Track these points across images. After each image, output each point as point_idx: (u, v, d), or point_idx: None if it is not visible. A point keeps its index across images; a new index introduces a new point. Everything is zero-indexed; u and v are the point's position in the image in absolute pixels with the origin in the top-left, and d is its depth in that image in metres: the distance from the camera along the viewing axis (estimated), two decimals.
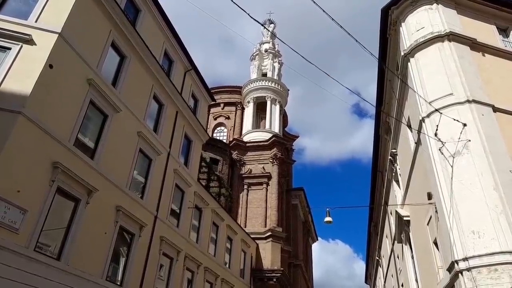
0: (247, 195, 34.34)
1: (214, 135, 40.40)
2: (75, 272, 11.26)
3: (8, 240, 9.19)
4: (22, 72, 10.56)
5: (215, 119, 41.81)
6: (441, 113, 11.96)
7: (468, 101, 11.95)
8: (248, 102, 41.25)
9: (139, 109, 15.75)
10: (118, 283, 13.56)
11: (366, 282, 51.02)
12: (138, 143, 15.39)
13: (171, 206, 17.82)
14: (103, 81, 13.40)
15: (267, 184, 34.48)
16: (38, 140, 10.53)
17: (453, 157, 11.51)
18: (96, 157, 12.80)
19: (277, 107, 41.47)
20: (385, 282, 30.91)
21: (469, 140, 11.67)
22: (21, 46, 10.98)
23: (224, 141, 37.98)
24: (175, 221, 18.11)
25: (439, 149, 11.89)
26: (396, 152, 19.21)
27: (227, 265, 23.82)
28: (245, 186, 34.73)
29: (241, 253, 26.43)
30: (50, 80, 11.02)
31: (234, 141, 36.89)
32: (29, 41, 11.06)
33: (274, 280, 28.73)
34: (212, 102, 27.46)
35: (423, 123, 12.76)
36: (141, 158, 15.89)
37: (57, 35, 11.37)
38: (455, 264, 10.01)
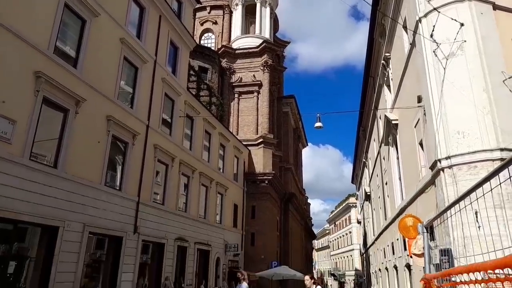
0: (238, 103, 34.33)
1: (202, 42, 38.68)
2: (74, 179, 11.67)
3: (1, 149, 9.29)
4: None
5: (202, 24, 39.60)
6: (439, 12, 11.41)
7: None
8: (236, 4, 38.70)
9: (119, 13, 14.70)
10: (117, 188, 14.21)
11: (352, 182, 54.43)
12: (122, 50, 14.70)
13: (162, 115, 17.83)
14: None
15: (258, 92, 34.27)
16: (16, 48, 9.99)
17: (447, 59, 11.34)
18: (79, 66, 12.32)
19: (267, 10, 39.13)
20: (370, 181, 32.97)
21: (465, 41, 11.38)
22: None
23: (213, 48, 36.54)
24: (167, 130, 18.32)
25: (434, 51, 11.64)
26: (390, 56, 18.82)
27: (221, 170, 24.89)
28: (236, 95, 34.52)
29: (234, 159, 27.43)
30: None
31: (223, 48, 35.54)
32: None
33: (266, 182, 30.41)
34: (198, 5, 25.68)
35: (419, 23, 12.27)
36: (127, 67, 15.36)
37: None
38: (438, 163, 10.53)
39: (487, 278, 1.69)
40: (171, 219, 17.74)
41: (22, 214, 9.78)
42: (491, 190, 2.02)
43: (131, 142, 14.99)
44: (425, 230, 3.26)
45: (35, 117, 10.44)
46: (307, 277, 7.01)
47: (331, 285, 73.79)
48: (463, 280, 2.08)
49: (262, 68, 34.97)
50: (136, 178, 15.27)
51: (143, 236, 15.32)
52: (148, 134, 16.15)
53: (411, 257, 3.99)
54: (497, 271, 1.65)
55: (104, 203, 13.09)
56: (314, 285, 6.76)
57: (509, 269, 1.53)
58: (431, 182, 11.58)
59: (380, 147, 23.60)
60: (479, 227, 8.35)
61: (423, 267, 3.40)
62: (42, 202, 10.42)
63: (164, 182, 17.82)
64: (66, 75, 11.64)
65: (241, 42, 37.06)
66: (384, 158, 22.65)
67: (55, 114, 11.49)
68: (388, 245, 22.98)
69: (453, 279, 2.48)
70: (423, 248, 3.23)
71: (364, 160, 35.88)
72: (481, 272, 1.74)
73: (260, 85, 34.34)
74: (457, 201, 2.76)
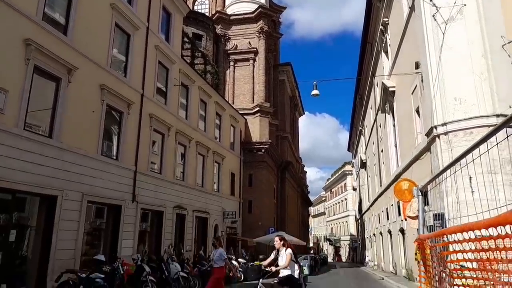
0: (234, 72, 33.85)
1: (195, 7, 37.55)
2: (70, 148, 11.64)
3: None
4: None
5: None
6: None
7: None
8: None
9: None
10: (114, 158, 14.22)
11: (348, 150, 54.85)
12: (112, 16, 14.25)
13: (157, 84, 17.58)
14: None
15: (254, 60, 33.71)
16: (3, 15, 9.64)
17: (446, 24, 11.11)
18: (69, 33, 11.96)
19: None
20: (366, 149, 33.21)
21: (465, 5, 11.11)
22: None
23: (207, 14, 35.53)
24: (162, 99, 18.12)
25: (433, 16, 11.38)
26: (388, 21, 18.41)
27: (218, 140, 24.89)
28: (231, 63, 33.96)
29: (230, 128, 27.36)
30: None
31: (217, 14, 34.60)
32: None
33: (263, 151, 30.55)
34: None
35: None
36: (119, 34, 14.96)
37: None
38: (434, 129, 10.56)
39: (480, 237, 1.71)
40: (169, 188, 17.91)
41: (19, 184, 9.81)
42: (488, 151, 2.02)
43: (126, 111, 14.84)
44: (420, 193, 3.30)
45: (27, 87, 10.25)
46: (276, 238, 6.83)
47: (326, 249, 76.02)
48: (456, 240, 2.12)
49: (257, 34, 34.21)
50: (132, 148, 15.25)
51: (142, 204, 15.51)
52: (143, 103, 15.98)
53: (405, 219, 4.06)
54: (490, 230, 1.67)
55: (102, 173, 13.13)
56: (284, 247, 6.61)
57: (502, 227, 1.54)
58: (427, 148, 11.67)
59: (376, 114, 23.58)
60: (472, 192, 8.50)
61: (417, 229, 3.48)
62: (39, 171, 10.43)
63: (160, 151, 17.83)
64: (56, 42, 11.33)
65: (235, 7, 36.02)
66: (380, 126, 22.69)
67: (47, 83, 11.28)
68: (382, 211, 23.49)
69: (445, 240, 2.53)
70: (418, 210, 3.28)
71: (361, 128, 35.96)
72: (475, 231, 1.77)
73: (256, 53, 33.73)
74: (452, 164, 2.77)
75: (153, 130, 16.94)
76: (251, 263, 7.79)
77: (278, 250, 6.67)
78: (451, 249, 2.37)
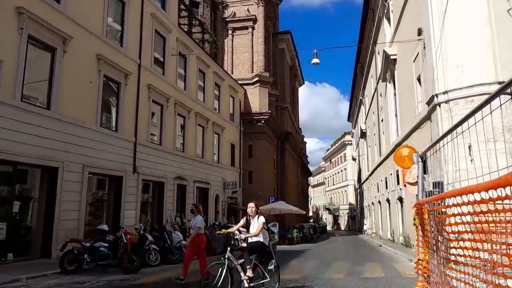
0: (232, 40, 33.16)
1: None
2: (69, 120, 11.58)
3: None
4: None
5: None
6: None
7: None
8: None
9: None
10: (114, 129, 14.19)
11: (348, 120, 54.72)
12: None
13: (154, 54, 17.26)
14: None
15: (253, 28, 32.95)
16: None
17: None
18: (62, 1, 11.62)
19: None
20: (366, 119, 33.11)
21: None
22: None
23: None
24: (160, 70, 17.86)
25: None
26: None
27: (217, 110, 24.75)
28: (230, 31, 33.21)
29: (229, 98, 27.15)
30: None
31: None
32: None
33: (262, 121, 30.45)
34: None
35: None
36: (113, 2, 14.54)
37: None
38: (435, 97, 10.47)
39: (479, 200, 1.71)
40: (169, 159, 17.99)
41: (19, 155, 9.84)
42: (490, 113, 1.99)
43: (123, 82, 14.66)
44: (419, 159, 3.29)
45: (22, 57, 10.07)
46: (252, 205, 6.45)
47: (325, 218, 77.45)
48: (455, 203, 2.12)
49: (256, 1, 33.25)
50: (131, 119, 15.18)
51: (143, 175, 15.63)
52: (140, 74, 15.75)
53: (405, 186, 4.09)
54: (490, 192, 1.65)
55: (102, 144, 13.14)
56: (257, 215, 6.33)
57: (502, 189, 1.53)
58: (427, 117, 11.61)
59: (377, 83, 23.33)
60: (472, 160, 8.52)
61: (416, 195, 3.50)
62: (39, 143, 10.43)
63: (160, 123, 17.77)
64: (49, 11, 11.02)
65: None
66: (381, 95, 22.50)
67: (42, 54, 11.08)
68: (381, 180, 23.72)
69: (444, 204, 2.54)
70: (417, 176, 3.29)
71: (361, 97, 35.69)
72: (474, 194, 1.76)
73: (254, 20, 32.91)
74: (452, 129, 2.74)
75: (152, 101, 16.81)
76: (218, 232, 7.44)
77: (249, 217, 6.45)
78: (449, 213, 2.38)
